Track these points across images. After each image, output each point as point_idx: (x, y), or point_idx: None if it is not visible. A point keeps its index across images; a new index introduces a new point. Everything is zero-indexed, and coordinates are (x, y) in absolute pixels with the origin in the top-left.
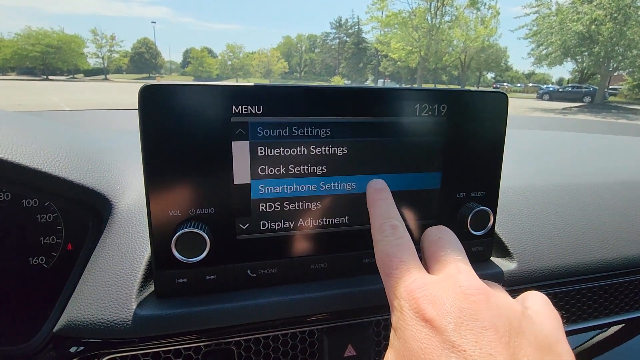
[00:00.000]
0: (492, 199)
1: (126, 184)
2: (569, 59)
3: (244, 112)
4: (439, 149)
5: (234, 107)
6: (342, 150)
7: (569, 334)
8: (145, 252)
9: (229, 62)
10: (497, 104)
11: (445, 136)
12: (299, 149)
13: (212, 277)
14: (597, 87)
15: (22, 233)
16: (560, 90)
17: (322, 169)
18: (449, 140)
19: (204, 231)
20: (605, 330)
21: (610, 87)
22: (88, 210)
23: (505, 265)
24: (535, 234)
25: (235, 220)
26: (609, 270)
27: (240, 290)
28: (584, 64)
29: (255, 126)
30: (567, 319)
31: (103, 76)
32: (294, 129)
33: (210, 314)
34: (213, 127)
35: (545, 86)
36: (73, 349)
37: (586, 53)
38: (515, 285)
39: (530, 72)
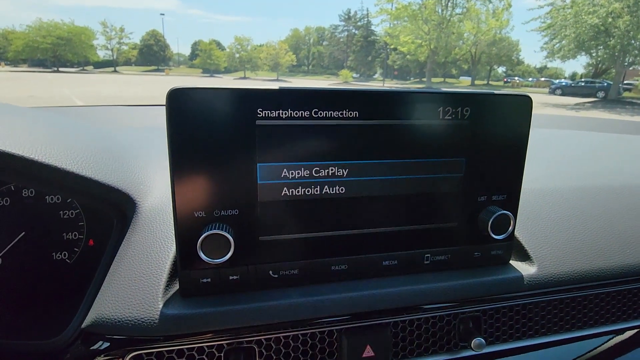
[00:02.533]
0: (513, 203)
1: (150, 183)
2: (583, 52)
3: (269, 116)
4: (461, 153)
5: (259, 110)
6: (365, 153)
7: (585, 338)
8: (170, 251)
9: (237, 55)
10: (520, 107)
11: (467, 140)
12: (322, 151)
13: (235, 277)
14: (611, 82)
15: (46, 228)
16: (573, 85)
17: (344, 171)
18: (471, 143)
19: (228, 233)
20: (622, 334)
21: (625, 82)
22: (112, 209)
23: (525, 269)
24: (555, 238)
25: (259, 221)
26: (629, 275)
27: (262, 290)
28: (599, 58)
29: (280, 129)
30: (584, 323)
31: (112, 68)
32: (319, 131)
33: (233, 314)
34: (238, 130)
35: (557, 81)
36: (100, 345)
37: (601, 47)
38: (534, 289)
39: (542, 66)
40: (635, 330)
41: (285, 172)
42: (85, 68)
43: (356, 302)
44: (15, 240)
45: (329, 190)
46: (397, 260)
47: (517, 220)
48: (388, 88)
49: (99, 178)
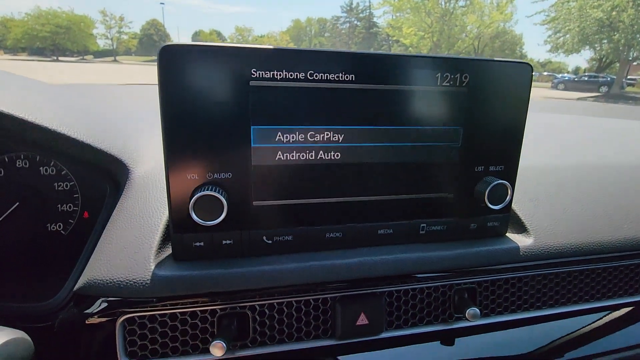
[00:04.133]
0: (511, 174)
1: (143, 151)
2: (587, 46)
3: (264, 77)
4: (459, 122)
5: (252, 70)
6: (361, 119)
7: (580, 313)
8: (163, 216)
9: None
10: (520, 75)
11: (465, 108)
12: (318, 115)
13: (228, 241)
14: (614, 77)
15: (41, 200)
16: (576, 79)
17: (340, 136)
18: (469, 112)
19: (221, 195)
20: (618, 310)
21: (628, 77)
22: (105, 176)
23: (521, 241)
24: (553, 212)
25: (252, 186)
26: (626, 250)
27: (256, 256)
28: (603, 52)
29: (275, 91)
30: (579, 298)
31: (112, 58)
32: (315, 94)
33: (226, 277)
34: (231, 90)
35: (560, 75)
36: (93, 307)
37: (605, 41)
38: (530, 260)
39: (545, 61)
40: (631, 307)
41: (279, 136)
42: (85, 57)
43: (351, 269)
44: (9, 210)
45: (324, 155)
46: (393, 230)
47: (514, 194)
48: (385, 52)
49: (91, 142)
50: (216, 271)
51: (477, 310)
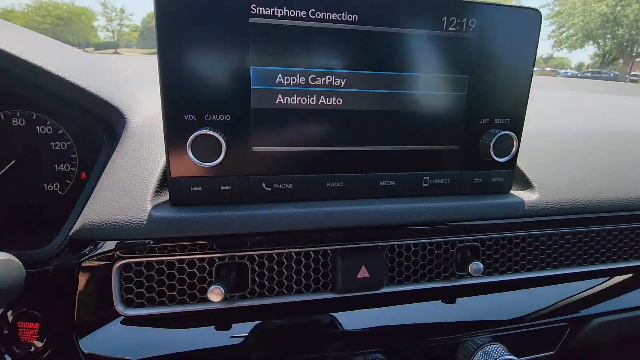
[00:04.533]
0: (517, 127)
1: (141, 102)
2: (590, 41)
3: (264, 13)
4: (465, 70)
5: (252, 6)
6: (364, 63)
7: (584, 276)
8: (160, 161)
9: None
10: (529, 21)
11: (472, 55)
12: (319, 58)
13: (227, 187)
14: (618, 73)
15: (37, 159)
16: (579, 75)
17: (342, 81)
18: (476, 60)
19: (219, 135)
20: (623, 275)
21: (632, 73)
22: (101, 126)
23: (526, 196)
24: (558, 169)
25: (252, 130)
26: (631, 209)
27: (256, 203)
28: (606, 48)
29: (276, 30)
30: (584, 260)
31: (113, 50)
32: (316, 35)
33: (224, 220)
34: (230, 27)
35: (563, 71)
36: (88, 250)
37: (609, 36)
38: (536, 216)
39: (548, 56)
40: (632, 274)
41: (280, 78)
42: (86, 49)
43: (351, 216)
44: (5, 168)
45: (326, 101)
46: (395, 181)
47: (519, 152)
48: None
49: (87, 87)
50: (214, 214)
51: (480, 264)
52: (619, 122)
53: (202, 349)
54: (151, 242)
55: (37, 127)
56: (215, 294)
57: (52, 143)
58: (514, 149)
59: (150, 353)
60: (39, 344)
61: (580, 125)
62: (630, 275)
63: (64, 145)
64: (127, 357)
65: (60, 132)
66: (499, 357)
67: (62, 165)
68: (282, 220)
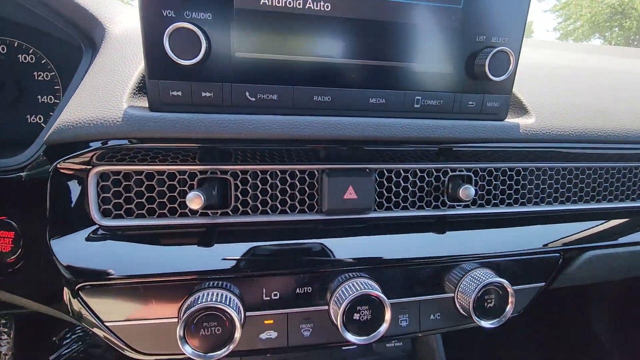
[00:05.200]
0: (515, 47)
1: (121, 15)
2: (597, 34)
3: None
4: None
5: None
6: None
7: (578, 215)
8: (139, 66)
9: None
10: None
11: None
12: None
13: (208, 94)
14: None
15: (19, 89)
16: None
17: None
18: None
19: (199, 30)
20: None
21: None
22: (81, 35)
23: (522, 121)
24: (557, 99)
25: (234, 32)
26: (630, 142)
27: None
28: (613, 41)
29: None
30: (579, 198)
31: None
32: None
33: (204, 122)
34: None
35: None
36: (63, 154)
37: (616, 28)
38: (531, 141)
39: None
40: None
41: None
42: None
43: (337, 126)
44: None
45: (313, 5)
46: (385, 99)
47: (516, 83)
48: None
49: None
50: (193, 115)
51: (472, 188)
52: (624, 64)
53: (183, 266)
54: (127, 143)
55: (19, 56)
56: (195, 202)
57: (35, 73)
58: (511, 67)
59: (129, 267)
60: (13, 254)
61: (584, 63)
62: (625, 215)
63: (47, 76)
64: (105, 269)
65: (43, 61)
66: (487, 279)
67: (45, 97)
68: (266, 126)
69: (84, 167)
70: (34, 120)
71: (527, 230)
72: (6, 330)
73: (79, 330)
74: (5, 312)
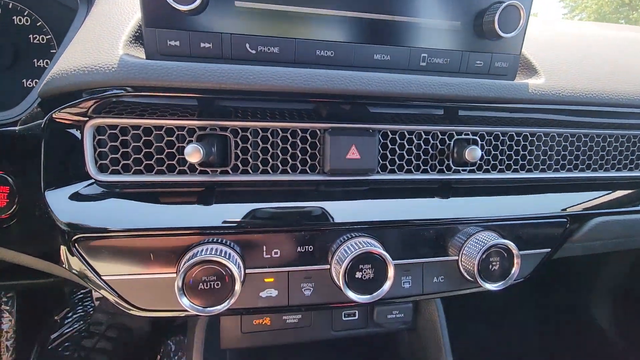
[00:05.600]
0: (525, 1)
1: None
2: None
3: None
4: None
5: None
6: None
7: (585, 185)
8: (135, 14)
9: None
10: None
11: None
12: None
13: (207, 45)
14: None
15: (15, 53)
16: None
17: None
18: None
19: None
20: (621, 184)
21: None
22: None
23: (532, 81)
24: (569, 60)
25: None
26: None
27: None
28: None
29: None
30: (587, 166)
31: None
32: None
33: (203, 71)
34: None
35: None
36: (58, 104)
37: (623, 20)
38: (542, 103)
39: None
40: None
41: None
42: None
43: (341, 79)
44: None
45: None
46: (390, 56)
47: (525, 46)
48: None
49: None
50: (192, 64)
51: (478, 150)
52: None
53: (182, 222)
54: (124, 92)
55: (14, 18)
56: (193, 156)
57: (31, 36)
58: (521, 23)
59: (125, 221)
60: (9, 209)
61: (596, 31)
62: (635, 185)
63: (42, 39)
64: (101, 222)
65: (38, 24)
66: (492, 241)
67: (41, 60)
68: (267, 76)
69: (80, 118)
70: (30, 84)
71: (534, 196)
72: (8, 308)
73: (80, 310)
74: (4, 283)
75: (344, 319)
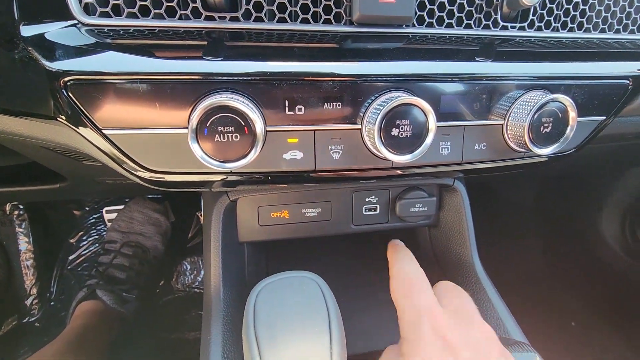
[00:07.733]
0: None
1: None
2: None
3: None
4: None
5: None
6: None
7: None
8: None
9: None
10: None
11: None
12: None
13: None
14: None
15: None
16: None
17: None
18: None
19: None
20: None
21: None
22: None
23: None
24: None
25: None
26: None
27: None
28: None
29: None
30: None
31: None
32: None
33: None
34: None
35: None
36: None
37: None
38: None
39: None
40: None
41: None
42: None
43: None
44: None
45: None
46: None
47: None
48: None
49: None
50: None
51: None
52: None
53: (189, 68)
54: None
55: None
56: None
57: None
58: None
59: (118, 65)
60: None
61: None
62: None
63: None
64: (92, 63)
65: None
66: (543, 98)
67: None
68: None
69: None
70: None
71: (592, 57)
72: (22, 230)
73: (94, 234)
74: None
75: (364, 213)
